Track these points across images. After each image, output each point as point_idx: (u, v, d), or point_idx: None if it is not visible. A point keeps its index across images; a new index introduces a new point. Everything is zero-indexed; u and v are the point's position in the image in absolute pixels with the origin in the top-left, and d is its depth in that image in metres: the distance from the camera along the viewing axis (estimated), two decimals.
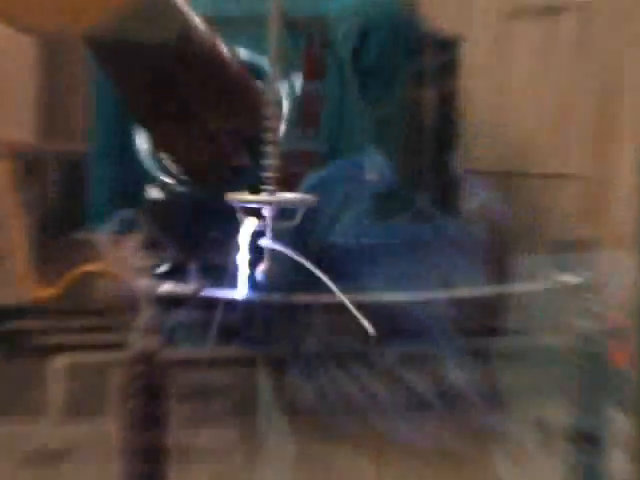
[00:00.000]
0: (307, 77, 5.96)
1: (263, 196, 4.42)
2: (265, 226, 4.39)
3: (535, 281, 5.99)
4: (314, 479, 5.22)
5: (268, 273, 4.44)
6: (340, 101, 6.42)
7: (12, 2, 4.55)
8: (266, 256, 4.40)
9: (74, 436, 5.69)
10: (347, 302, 4.54)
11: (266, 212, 4.40)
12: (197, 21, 5.61)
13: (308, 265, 4.50)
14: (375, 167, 5.69)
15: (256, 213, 4.40)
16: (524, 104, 8.17)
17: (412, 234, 6.03)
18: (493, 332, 6.86)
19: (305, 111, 4.50)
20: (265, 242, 4.38)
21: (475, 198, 6.58)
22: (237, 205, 4.33)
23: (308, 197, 4.80)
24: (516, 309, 6.70)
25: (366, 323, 4.61)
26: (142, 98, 5.89)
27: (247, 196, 4.44)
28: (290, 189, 5.51)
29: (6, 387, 6.13)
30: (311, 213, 5.32)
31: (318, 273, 4.54)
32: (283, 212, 4.48)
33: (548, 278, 5.33)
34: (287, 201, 4.54)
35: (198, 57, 5.51)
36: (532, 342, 6.80)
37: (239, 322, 6.07)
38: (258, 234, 4.38)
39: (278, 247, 4.39)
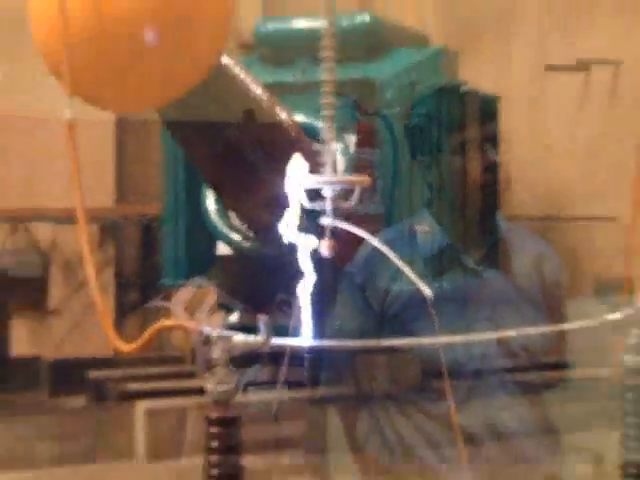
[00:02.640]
0: (360, 143, 5.96)
1: (324, 177, 4.46)
2: (326, 206, 4.40)
3: (585, 319, 5.92)
4: None
5: (330, 249, 4.42)
6: (393, 165, 6.41)
7: (97, 86, 4.61)
8: (328, 233, 4.40)
9: (158, 478, 5.69)
10: (403, 266, 4.56)
11: (327, 193, 4.42)
12: (259, 92, 5.65)
13: (368, 237, 4.55)
14: (427, 229, 5.68)
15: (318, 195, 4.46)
16: (562, 153, 8.13)
17: (461, 289, 6.02)
18: (549, 368, 6.81)
19: (365, 174, 4.53)
20: (327, 220, 4.37)
21: (525, 250, 6.53)
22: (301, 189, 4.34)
23: (363, 178, 4.83)
24: (569, 346, 6.64)
25: (423, 286, 4.60)
26: (211, 165, 5.94)
27: (310, 177, 4.50)
28: (351, 251, 5.56)
29: (93, 433, 6.15)
30: (373, 268, 5.32)
31: (380, 246, 4.57)
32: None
33: (596, 316, 5.26)
34: (345, 181, 4.58)
35: (261, 128, 5.55)
36: (584, 376, 6.74)
37: (307, 368, 6.06)
38: (320, 213, 4.40)
39: (339, 224, 4.39)
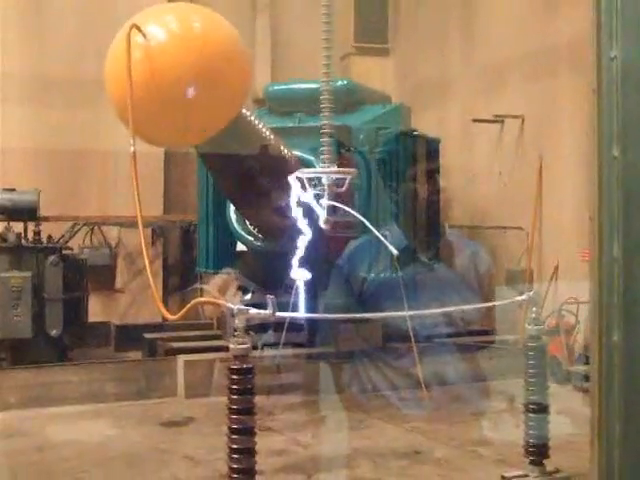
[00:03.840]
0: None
1: (322, 168, 4.49)
2: (324, 190, 4.41)
3: (501, 300, 5.95)
4: (353, 436, 5.15)
5: (328, 224, 4.42)
6: (367, 187, 6.38)
7: (152, 130, 4.59)
8: (327, 211, 4.39)
9: (193, 410, 5.69)
10: (374, 229, 4.60)
11: (324, 180, 4.44)
12: (269, 134, 5.62)
13: (354, 213, 4.61)
14: (393, 234, 5.70)
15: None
16: (484, 181, 8.14)
17: (417, 277, 6.03)
18: (477, 334, 6.84)
19: (343, 194, 4.52)
20: (325, 201, 4.36)
21: (462, 250, 6.56)
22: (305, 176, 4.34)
23: (352, 169, 4.83)
24: (491, 318, 6.67)
25: (391, 247, 4.60)
26: (233, 187, 5.93)
27: (312, 169, 4.57)
28: (338, 248, 5.52)
29: (146, 378, 6.14)
30: (354, 261, 5.32)
31: (359, 216, 4.65)
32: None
33: (509, 298, 5.27)
34: (338, 171, 4.59)
35: (272, 160, 5.53)
36: (502, 340, 6.76)
37: (305, 333, 6.06)
38: (319, 196, 4.41)
39: (336, 204, 4.39)
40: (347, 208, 4.59)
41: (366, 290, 5.94)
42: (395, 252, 4.82)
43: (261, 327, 5.22)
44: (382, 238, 4.71)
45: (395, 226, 5.97)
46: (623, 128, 2.59)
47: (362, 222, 4.83)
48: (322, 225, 4.45)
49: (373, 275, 5.97)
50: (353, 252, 5.87)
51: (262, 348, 5.48)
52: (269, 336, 5.56)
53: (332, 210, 4.50)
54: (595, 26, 2.66)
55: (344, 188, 4.57)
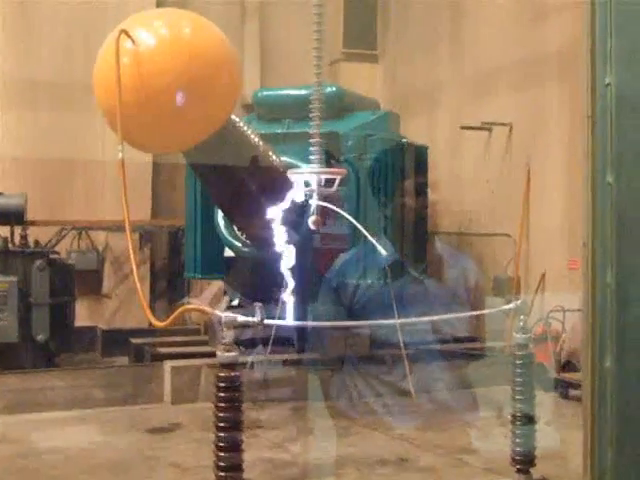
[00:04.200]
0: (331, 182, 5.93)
1: (312, 168, 4.44)
2: (314, 190, 4.36)
3: (490, 309, 5.95)
4: (339, 444, 5.14)
5: (316, 224, 4.38)
6: (357, 198, 6.35)
7: (140, 135, 4.57)
8: (316, 211, 4.36)
9: (180, 417, 5.66)
10: (363, 229, 4.57)
11: (314, 181, 4.39)
12: (257, 140, 5.60)
13: (345, 214, 4.58)
14: (383, 246, 5.68)
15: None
16: (472, 188, 8.15)
17: (407, 291, 6.03)
18: (465, 340, 6.82)
19: (332, 198, 4.47)
20: (315, 201, 4.33)
21: (452, 264, 6.57)
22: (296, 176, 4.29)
23: (341, 170, 4.78)
24: (479, 326, 6.65)
25: (380, 248, 4.58)
26: (222, 194, 5.90)
27: (301, 169, 4.52)
28: (328, 260, 5.47)
29: (133, 383, 6.11)
30: (343, 274, 5.32)
31: (350, 218, 4.62)
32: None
33: (497, 307, 5.26)
34: (327, 172, 4.54)
35: (261, 170, 5.52)
36: (489, 347, 6.75)
37: (291, 339, 6.03)
38: (310, 196, 4.37)
39: (325, 204, 4.36)
40: (336, 209, 4.56)
41: (355, 303, 5.95)
42: (384, 252, 4.79)
43: (251, 342, 5.22)
44: (372, 240, 4.69)
45: (384, 238, 5.95)
46: (617, 154, 2.61)
47: (351, 234, 4.82)
48: (311, 225, 4.43)
49: (362, 288, 5.98)
50: (342, 265, 5.89)
51: (252, 365, 5.47)
52: (259, 350, 5.55)
53: (321, 211, 4.47)
54: (589, 53, 2.69)
55: (334, 188, 4.54)
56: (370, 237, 4.64)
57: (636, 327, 2.50)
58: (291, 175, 4.30)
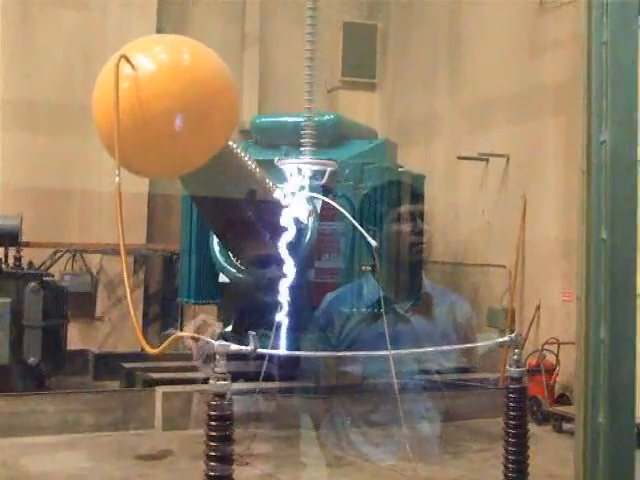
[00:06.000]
0: (325, 217, 5.88)
1: (304, 159, 4.44)
2: (305, 182, 4.36)
3: (483, 341, 5.93)
4: (330, 474, 5.10)
5: (310, 215, 4.37)
6: (352, 232, 6.34)
7: (137, 160, 4.57)
8: (311, 205, 4.35)
9: (171, 443, 5.61)
10: (356, 224, 4.54)
11: (306, 171, 4.39)
12: (254, 166, 5.60)
13: (339, 207, 4.51)
14: (369, 286, 5.67)
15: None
16: (468, 218, 8.17)
17: (392, 329, 6.01)
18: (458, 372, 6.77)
19: (326, 241, 4.47)
20: (308, 194, 4.31)
21: (442, 301, 6.54)
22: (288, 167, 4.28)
23: (332, 162, 4.77)
24: (476, 361, 6.60)
25: (370, 239, 4.54)
26: (218, 220, 5.90)
27: (293, 159, 4.52)
28: (320, 294, 5.43)
29: (124, 408, 6.06)
30: (331, 314, 5.30)
31: (341, 209, 4.57)
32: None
33: (491, 339, 5.26)
34: (319, 163, 4.53)
35: (259, 200, 5.51)
36: (483, 379, 6.71)
37: (284, 368, 5.98)
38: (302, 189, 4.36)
39: (318, 196, 4.34)
40: (328, 199, 4.54)
41: (342, 341, 5.95)
42: (374, 243, 4.77)
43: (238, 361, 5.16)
44: (364, 232, 4.66)
45: (371, 277, 5.95)
46: (611, 211, 2.63)
47: (344, 269, 4.78)
48: (305, 219, 4.42)
49: (347, 327, 5.98)
50: (328, 304, 5.90)
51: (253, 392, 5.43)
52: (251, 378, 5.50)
53: (312, 201, 4.45)
54: (586, 110, 2.71)
55: (323, 181, 4.53)
56: (367, 236, 4.59)
57: (629, 383, 2.50)
58: (281, 165, 4.30)
